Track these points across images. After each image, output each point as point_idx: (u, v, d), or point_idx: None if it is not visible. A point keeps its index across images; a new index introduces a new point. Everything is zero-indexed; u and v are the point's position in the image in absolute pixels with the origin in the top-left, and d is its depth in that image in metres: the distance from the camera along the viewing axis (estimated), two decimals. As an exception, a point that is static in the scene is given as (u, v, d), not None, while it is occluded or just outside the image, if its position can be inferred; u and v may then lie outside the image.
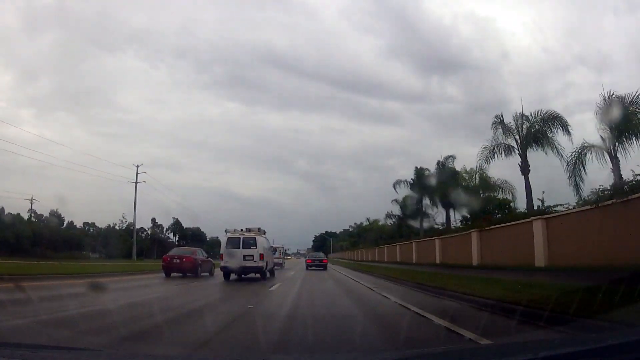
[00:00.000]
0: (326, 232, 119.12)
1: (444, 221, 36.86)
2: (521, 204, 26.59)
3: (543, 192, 27.36)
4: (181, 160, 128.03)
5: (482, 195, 30.20)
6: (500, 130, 25.19)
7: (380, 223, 62.25)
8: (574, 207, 17.11)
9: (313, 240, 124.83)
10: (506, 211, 27.12)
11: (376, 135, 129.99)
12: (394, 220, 51.83)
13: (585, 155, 19.58)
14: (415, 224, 43.40)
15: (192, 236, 79.47)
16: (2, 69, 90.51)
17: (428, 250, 31.61)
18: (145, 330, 6.57)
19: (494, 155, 25.31)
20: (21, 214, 56.87)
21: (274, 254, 28.80)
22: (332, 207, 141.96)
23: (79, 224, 70.24)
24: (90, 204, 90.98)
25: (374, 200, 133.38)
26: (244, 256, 19.51)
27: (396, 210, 48.31)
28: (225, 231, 21.49)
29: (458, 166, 35.41)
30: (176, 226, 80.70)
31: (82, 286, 13.83)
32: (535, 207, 23.14)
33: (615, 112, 18.16)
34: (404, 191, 43.35)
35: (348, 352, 5.34)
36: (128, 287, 15.61)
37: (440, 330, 6.64)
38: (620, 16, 71.65)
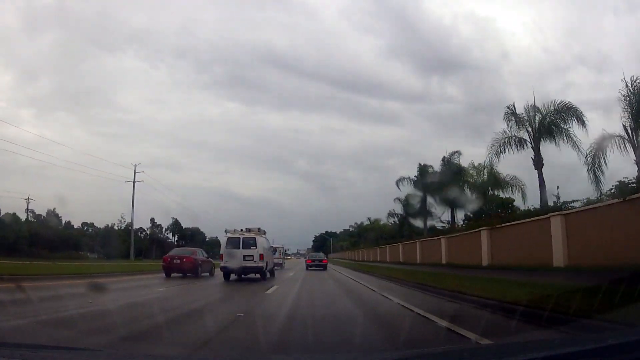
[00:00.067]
0: (326, 232, 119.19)
1: (449, 220, 36.18)
2: (532, 201, 25.73)
3: (558, 187, 25.74)
4: (181, 160, 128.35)
5: (490, 192, 29.25)
6: (512, 121, 24.15)
7: (382, 222, 62.21)
8: (596, 202, 16.14)
9: (313, 240, 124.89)
10: (509, 210, 26.35)
11: (376, 135, 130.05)
12: (396, 219, 51.55)
13: (606, 147, 18.68)
14: (417, 223, 42.94)
15: (191, 236, 79.45)
16: (2, 69, 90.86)
17: (433, 250, 30.61)
18: (145, 331, 6.56)
19: (504, 149, 24.41)
20: (17, 214, 56.82)
21: (274, 254, 28.72)
22: (332, 207, 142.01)
23: (78, 224, 70.54)
24: (90, 204, 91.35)
25: (374, 200, 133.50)
26: (244, 256, 19.47)
27: (398, 209, 48.01)
28: (225, 231, 21.47)
29: (461, 164, 34.48)
30: (175, 226, 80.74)
31: (81, 286, 13.78)
32: (551, 204, 22.08)
33: None
34: (407, 189, 42.85)
35: (348, 352, 5.33)
36: (128, 287, 15.57)
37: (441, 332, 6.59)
38: (620, 16, 71.64)
